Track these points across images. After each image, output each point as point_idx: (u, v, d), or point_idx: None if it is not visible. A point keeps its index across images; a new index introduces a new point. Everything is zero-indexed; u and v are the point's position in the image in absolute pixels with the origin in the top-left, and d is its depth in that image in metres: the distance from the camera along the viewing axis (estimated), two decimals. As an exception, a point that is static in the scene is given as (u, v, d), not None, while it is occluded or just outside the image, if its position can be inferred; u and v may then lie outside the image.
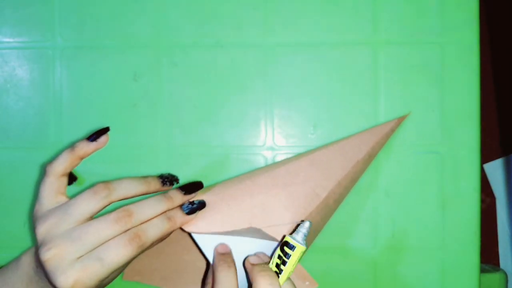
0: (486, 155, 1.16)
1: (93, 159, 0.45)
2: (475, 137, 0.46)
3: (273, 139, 0.46)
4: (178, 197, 0.36)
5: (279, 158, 0.46)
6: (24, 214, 0.46)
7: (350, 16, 0.46)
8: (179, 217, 0.36)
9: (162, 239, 0.36)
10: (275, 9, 0.46)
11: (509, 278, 0.86)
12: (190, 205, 0.37)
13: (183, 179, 0.46)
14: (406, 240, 0.46)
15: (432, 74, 0.46)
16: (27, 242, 0.46)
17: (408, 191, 0.46)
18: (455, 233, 0.46)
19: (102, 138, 0.37)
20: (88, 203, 0.33)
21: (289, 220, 0.38)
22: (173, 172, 0.45)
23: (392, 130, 0.45)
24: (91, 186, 0.34)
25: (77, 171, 0.46)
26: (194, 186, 0.38)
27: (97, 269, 0.31)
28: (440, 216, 0.46)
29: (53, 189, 0.35)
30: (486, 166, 1.16)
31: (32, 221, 0.35)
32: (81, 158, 0.36)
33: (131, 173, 0.45)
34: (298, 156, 0.44)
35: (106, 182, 0.34)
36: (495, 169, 1.16)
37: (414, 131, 0.46)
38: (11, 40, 0.46)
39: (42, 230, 0.33)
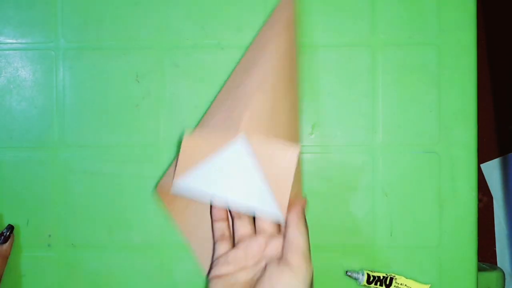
0: (483, 155, 1.16)
1: (94, 159, 0.46)
2: (472, 137, 0.46)
3: (273, 139, 0.47)
4: None
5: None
6: (27, 213, 0.46)
7: (348, 18, 0.47)
8: None
9: None
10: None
11: (506, 277, 0.87)
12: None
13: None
14: (404, 238, 0.47)
15: (429, 75, 0.47)
16: (30, 241, 0.46)
17: (406, 190, 0.47)
18: (453, 232, 0.47)
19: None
20: None
21: (235, 119, 0.39)
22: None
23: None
24: None
25: (82, 171, 0.46)
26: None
27: None
28: (438, 215, 0.47)
29: None
30: (483, 166, 1.17)
31: None
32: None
33: (132, 173, 0.46)
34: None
35: None
36: (492, 168, 1.16)
37: (412, 131, 0.47)
38: (14, 41, 0.46)
39: None
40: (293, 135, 0.41)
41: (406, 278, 0.46)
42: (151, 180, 0.46)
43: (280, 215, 0.37)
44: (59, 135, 0.46)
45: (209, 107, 0.45)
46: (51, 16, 0.46)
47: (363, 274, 0.45)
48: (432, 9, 0.47)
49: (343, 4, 0.47)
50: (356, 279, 0.45)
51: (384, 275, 0.45)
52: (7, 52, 0.46)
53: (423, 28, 0.47)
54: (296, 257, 0.36)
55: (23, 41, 0.46)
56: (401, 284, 0.45)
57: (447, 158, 0.46)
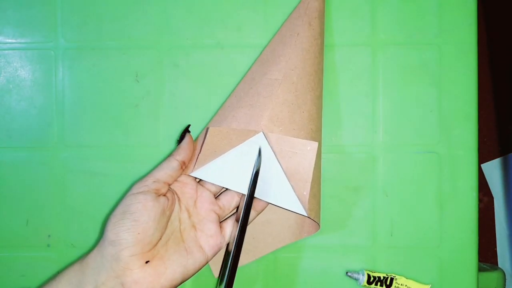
0: (484, 155, 1.16)
1: (94, 159, 0.46)
2: (472, 137, 0.46)
3: (273, 139, 0.46)
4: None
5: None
6: (26, 213, 0.46)
7: (349, 17, 0.47)
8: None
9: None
10: (275, 11, 0.46)
11: (507, 277, 0.87)
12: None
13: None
14: (405, 239, 0.47)
15: (430, 75, 0.46)
16: (29, 241, 0.46)
17: (406, 190, 0.47)
18: (453, 232, 0.46)
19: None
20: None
21: (256, 114, 0.40)
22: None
23: None
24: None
25: (81, 171, 0.46)
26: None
27: None
28: (438, 215, 0.46)
29: None
30: (484, 166, 1.16)
31: None
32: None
33: (131, 173, 0.46)
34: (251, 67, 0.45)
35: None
36: (493, 168, 1.16)
37: (413, 131, 0.47)
38: (13, 41, 0.46)
39: None
40: (314, 132, 0.42)
41: (407, 278, 0.46)
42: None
43: (301, 209, 0.39)
44: (59, 135, 0.46)
45: (228, 97, 0.45)
46: (51, 16, 0.46)
47: (363, 275, 0.45)
48: (432, 9, 0.46)
49: (343, 4, 0.46)
50: (356, 279, 0.45)
51: (385, 275, 0.45)
52: (6, 51, 0.46)
53: (424, 28, 0.46)
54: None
55: (23, 40, 0.46)
56: (401, 284, 0.45)
57: (447, 158, 0.46)
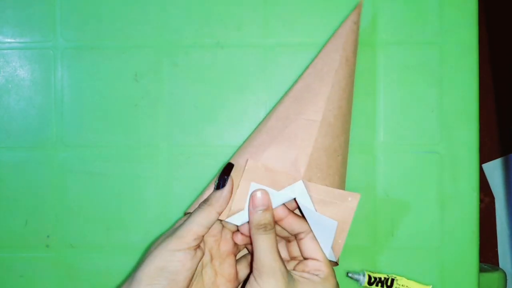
0: (485, 155, 1.16)
1: (93, 159, 0.46)
2: (474, 137, 0.46)
3: (273, 139, 0.46)
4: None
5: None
6: (25, 214, 0.46)
7: (349, 17, 0.46)
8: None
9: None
10: (275, 10, 0.46)
11: (508, 278, 0.87)
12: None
13: (183, 179, 0.46)
14: (406, 239, 0.46)
15: (431, 74, 0.46)
16: (28, 242, 0.46)
17: (407, 190, 0.46)
18: (454, 232, 0.46)
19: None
20: None
21: (294, 158, 0.39)
22: (173, 171, 0.46)
23: (354, 22, 0.44)
24: None
25: (81, 171, 0.46)
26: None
27: None
28: (439, 216, 0.46)
29: None
30: (485, 166, 1.16)
31: None
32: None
33: (131, 173, 0.46)
34: (281, 99, 0.43)
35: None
36: (494, 169, 1.16)
37: (414, 131, 0.46)
38: (12, 40, 0.46)
39: None
40: (344, 176, 0.42)
41: (408, 279, 0.45)
42: (150, 180, 0.46)
43: (332, 256, 0.39)
44: (58, 135, 0.46)
45: (256, 130, 0.43)
46: (50, 15, 0.46)
47: (364, 275, 0.45)
48: (433, 8, 0.46)
49: (345, 3, 0.46)
50: (357, 280, 0.45)
51: (386, 276, 0.45)
52: (5, 51, 0.46)
53: (425, 27, 0.46)
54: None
55: (22, 40, 0.46)
56: (402, 285, 0.45)
57: (448, 158, 0.46)
